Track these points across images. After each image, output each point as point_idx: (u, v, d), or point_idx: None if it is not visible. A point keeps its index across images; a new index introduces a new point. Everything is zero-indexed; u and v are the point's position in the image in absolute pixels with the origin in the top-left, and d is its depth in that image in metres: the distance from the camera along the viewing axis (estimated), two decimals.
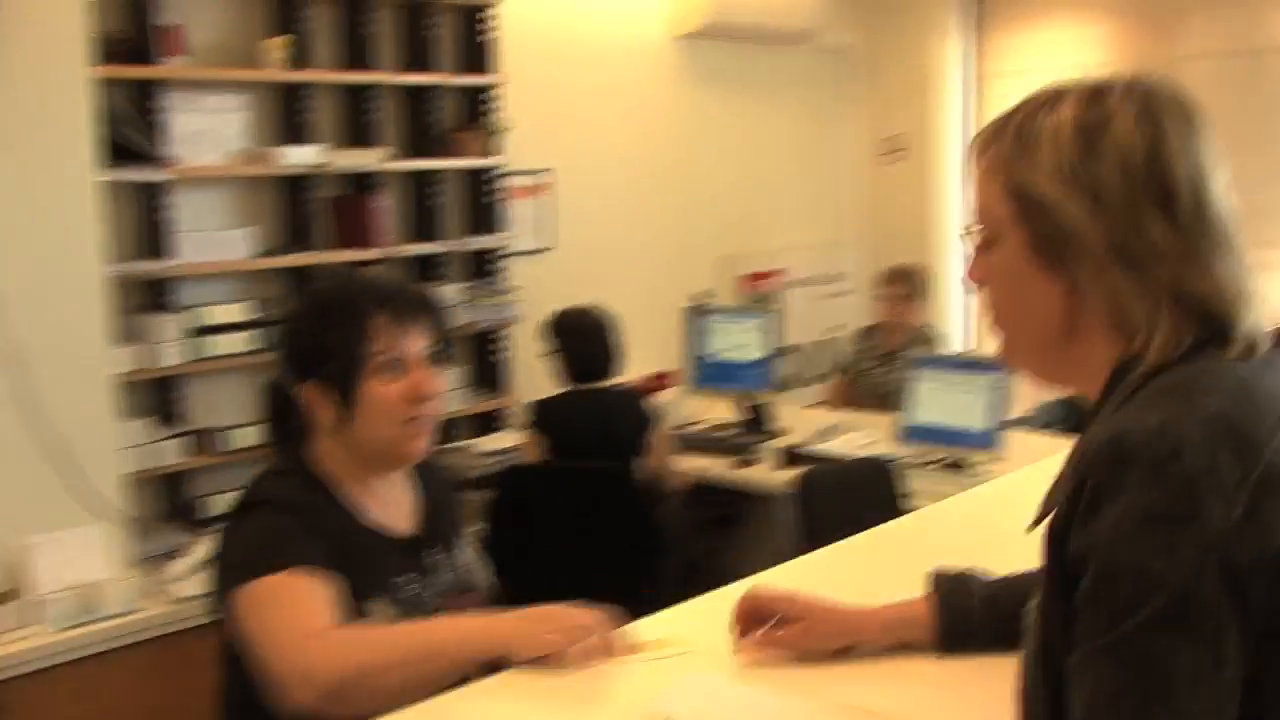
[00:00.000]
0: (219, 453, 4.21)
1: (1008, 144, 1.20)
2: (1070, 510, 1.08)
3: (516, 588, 4.12)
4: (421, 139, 4.86)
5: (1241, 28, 6.15)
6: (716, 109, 6.31)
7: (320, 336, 1.93)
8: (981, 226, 1.24)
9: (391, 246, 4.68)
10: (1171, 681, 1.02)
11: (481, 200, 5.08)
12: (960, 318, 7.02)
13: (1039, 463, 2.37)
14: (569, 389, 4.35)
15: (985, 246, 1.24)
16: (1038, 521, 1.14)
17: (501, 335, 5.10)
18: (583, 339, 4.35)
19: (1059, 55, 6.69)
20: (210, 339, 4.22)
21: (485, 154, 5.01)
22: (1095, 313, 1.17)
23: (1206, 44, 6.24)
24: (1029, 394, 4.82)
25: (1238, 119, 6.10)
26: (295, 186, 4.49)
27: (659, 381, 5.38)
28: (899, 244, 6.76)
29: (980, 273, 1.26)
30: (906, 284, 5.73)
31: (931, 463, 4.42)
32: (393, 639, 1.75)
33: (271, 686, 1.71)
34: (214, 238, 4.29)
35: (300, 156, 4.39)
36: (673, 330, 5.75)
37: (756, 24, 6.15)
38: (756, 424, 5.12)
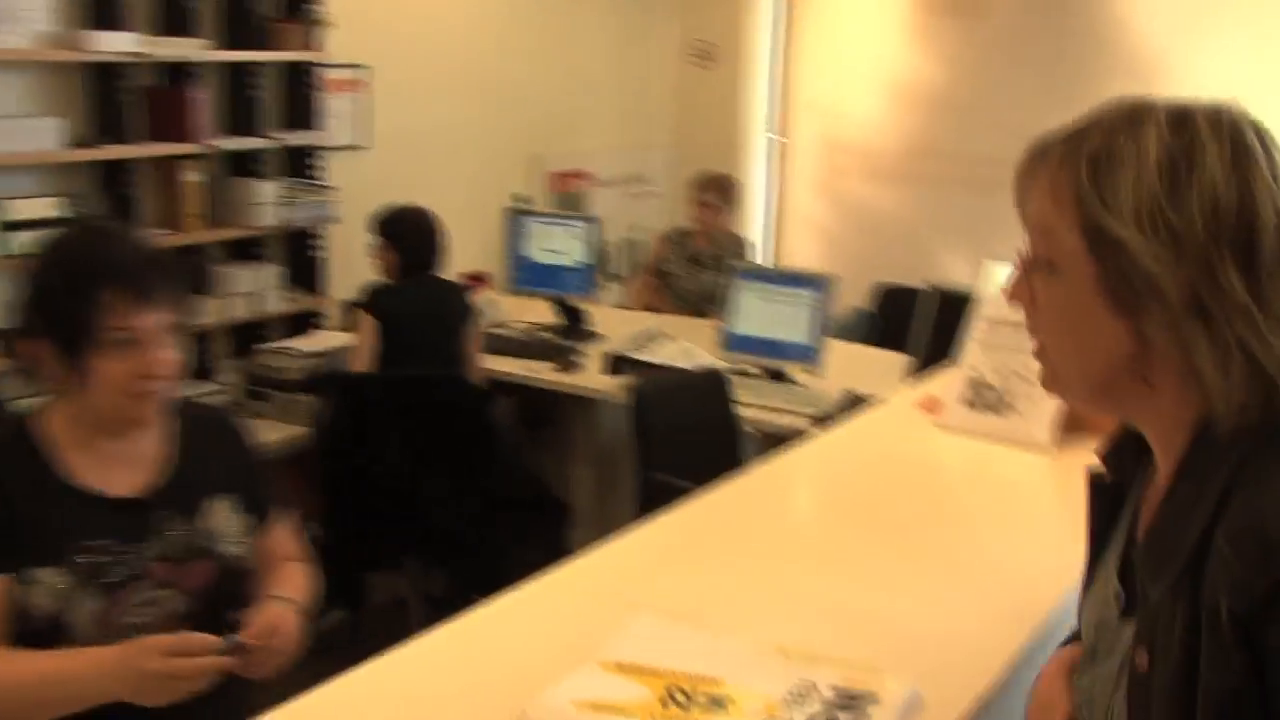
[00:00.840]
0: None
1: (1083, 170, 1.12)
2: (1249, 600, 1.03)
3: (357, 506, 4.15)
4: (240, 29, 4.64)
5: None
6: (532, 8, 6.21)
7: (53, 301, 1.86)
8: (1042, 251, 1.17)
9: (207, 140, 4.47)
10: None
11: (300, 95, 4.90)
12: (761, 230, 7.17)
13: (826, 435, 2.44)
14: (404, 279, 4.44)
15: (1044, 271, 1.17)
16: (1163, 593, 1.11)
17: (319, 234, 4.96)
18: (414, 233, 4.48)
19: None
20: (15, 235, 3.98)
21: (306, 47, 4.82)
22: (1165, 362, 1.13)
23: None
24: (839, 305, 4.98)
25: (1039, 43, 6.38)
26: (107, 74, 4.23)
27: (474, 282, 5.34)
28: (706, 150, 6.84)
29: (1029, 295, 1.20)
30: (720, 191, 5.82)
31: (753, 373, 4.56)
32: (16, 673, 1.75)
33: None
34: (18, 126, 4.02)
35: (114, 43, 4.12)
36: (487, 231, 5.71)
37: None
38: (574, 327, 5.17)
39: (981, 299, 2.64)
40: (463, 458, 4.07)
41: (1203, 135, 1.10)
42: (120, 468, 1.91)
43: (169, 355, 1.87)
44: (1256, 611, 1.02)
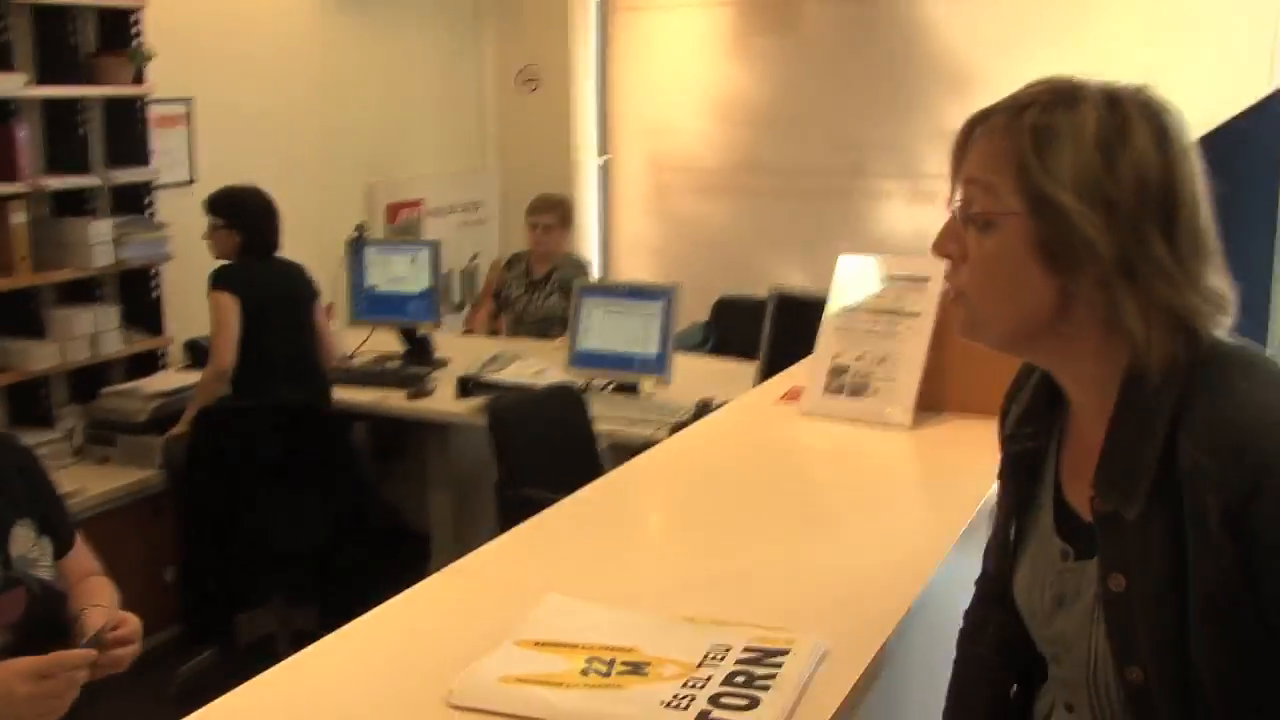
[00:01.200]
0: None
1: (1026, 140, 1.24)
2: (1245, 500, 1.16)
3: (219, 543, 4.08)
4: (60, 64, 4.53)
5: None
6: (358, 36, 6.20)
7: None
8: (979, 210, 1.28)
9: (33, 180, 4.35)
10: None
11: (127, 131, 4.80)
12: (596, 250, 7.25)
13: (691, 427, 2.53)
14: (247, 258, 4.46)
15: (980, 227, 1.28)
16: (1138, 514, 1.23)
17: (155, 273, 4.86)
18: (255, 213, 4.52)
19: None
20: None
21: (129, 81, 4.73)
22: (1089, 315, 1.25)
23: None
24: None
25: (853, 58, 6.60)
26: None
27: None
28: (536, 174, 6.88)
29: (959, 248, 1.30)
30: (554, 213, 5.88)
31: (603, 387, 4.62)
32: None
33: None
34: None
35: None
36: (326, 264, 5.65)
37: None
38: (421, 354, 5.16)
39: (837, 291, 2.74)
40: (323, 487, 4.04)
41: (1133, 116, 1.24)
42: None
43: None
44: (1242, 502, 1.16)
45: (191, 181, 5.23)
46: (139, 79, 4.77)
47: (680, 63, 7.04)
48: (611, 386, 4.63)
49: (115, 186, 4.75)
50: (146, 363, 4.86)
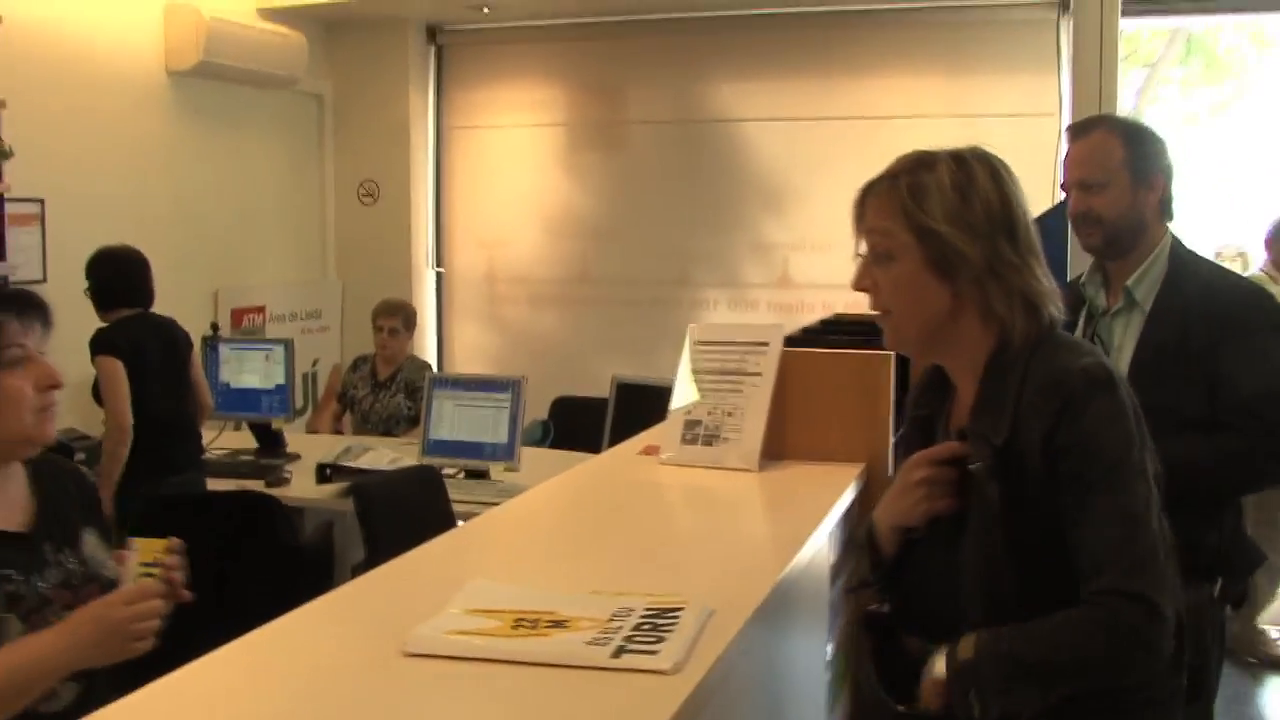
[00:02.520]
0: None
1: (903, 193, 1.81)
2: (1054, 422, 1.72)
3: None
4: None
5: (677, 101, 7.16)
6: (207, 146, 6.42)
7: None
8: (881, 249, 1.84)
9: None
10: (1144, 502, 1.71)
11: None
12: (433, 358, 7.51)
13: (546, 481, 2.83)
14: (122, 314, 4.63)
15: (884, 261, 1.84)
16: (1003, 440, 1.78)
17: None
18: (127, 268, 4.71)
19: (517, 114, 7.40)
20: None
21: None
22: (970, 309, 1.81)
23: (648, 111, 7.19)
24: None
25: (677, 177, 7.10)
26: None
27: None
28: (374, 283, 7.14)
29: (871, 281, 1.86)
30: (399, 316, 6.14)
31: (454, 474, 4.86)
32: None
33: None
34: None
35: None
36: None
37: (244, 67, 6.34)
38: (274, 447, 5.32)
39: (685, 355, 3.08)
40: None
41: (973, 165, 1.84)
42: (3, 504, 2.04)
43: (55, 370, 2.05)
44: (1053, 425, 1.73)
45: (44, 280, 5.33)
46: None
47: (513, 178, 7.45)
48: (462, 474, 4.87)
49: None
50: None
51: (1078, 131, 2.90)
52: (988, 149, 1.88)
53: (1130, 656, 1.68)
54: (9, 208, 5.08)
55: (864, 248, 1.88)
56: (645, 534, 2.40)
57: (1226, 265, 4.15)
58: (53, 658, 1.89)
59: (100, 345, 4.52)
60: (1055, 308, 1.84)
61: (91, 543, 2.15)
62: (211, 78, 6.27)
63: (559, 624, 1.76)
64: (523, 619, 1.78)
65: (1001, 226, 1.80)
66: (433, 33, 7.47)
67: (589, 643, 1.69)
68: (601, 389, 6.29)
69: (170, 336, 4.75)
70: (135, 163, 5.98)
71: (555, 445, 5.91)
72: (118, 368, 4.46)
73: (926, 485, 1.88)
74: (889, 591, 1.97)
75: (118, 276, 4.67)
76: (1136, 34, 10.20)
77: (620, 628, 1.75)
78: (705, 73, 7.12)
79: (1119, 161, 2.84)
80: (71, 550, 2.10)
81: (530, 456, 4.94)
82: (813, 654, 2.51)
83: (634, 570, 2.11)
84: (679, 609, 1.81)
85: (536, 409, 6.26)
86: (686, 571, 2.12)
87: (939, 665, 1.78)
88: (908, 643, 1.92)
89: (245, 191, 6.73)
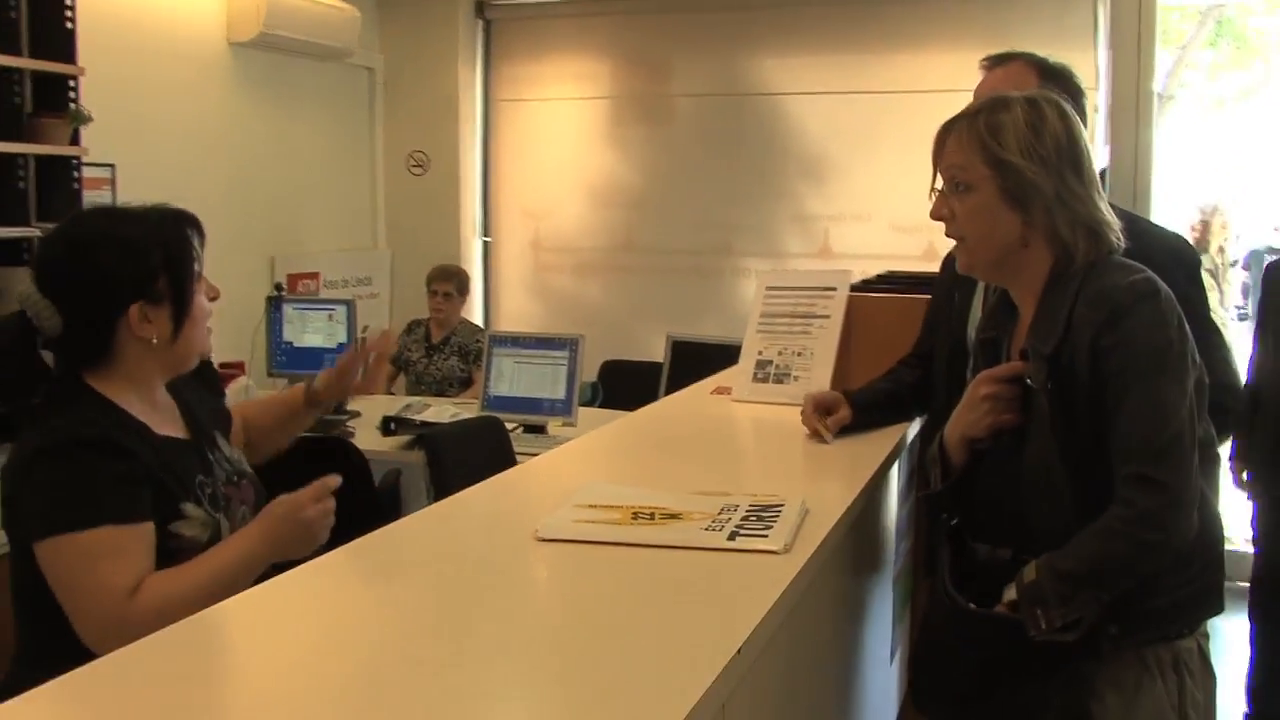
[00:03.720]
0: None
1: (981, 130, 1.98)
2: (1099, 329, 1.88)
3: None
4: (2, 122, 4.83)
5: (721, 74, 7.30)
6: (264, 116, 6.59)
7: (147, 257, 2.08)
8: (959, 181, 2.00)
9: None
10: (1175, 397, 1.85)
11: (60, 188, 5.09)
12: (480, 322, 7.68)
13: (598, 428, 2.99)
14: None
15: (961, 192, 2.01)
16: (1052, 349, 1.94)
17: None
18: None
19: (563, 86, 7.56)
20: None
21: (66, 142, 5.04)
22: (1038, 236, 1.98)
23: (692, 84, 7.34)
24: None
25: (720, 149, 7.25)
26: None
27: (230, 370, 5.59)
28: (422, 252, 7.31)
29: (949, 210, 2.03)
30: (453, 282, 6.32)
31: (512, 429, 5.03)
32: (194, 579, 1.97)
33: (85, 634, 1.91)
34: None
35: None
36: (235, 326, 5.98)
37: (301, 39, 6.51)
38: (336, 405, 5.50)
39: (757, 299, 3.25)
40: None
41: (1043, 106, 2.01)
42: (168, 417, 2.18)
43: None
44: (1099, 334, 1.89)
45: None
46: (75, 140, 5.08)
47: (559, 150, 7.60)
48: (520, 429, 5.04)
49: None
50: None
51: (996, 61, 2.93)
52: (1052, 94, 2.07)
53: (1146, 539, 1.84)
54: (84, 171, 5.26)
55: (940, 182, 2.05)
56: (731, 455, 2.58)
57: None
58: (258, 554, 2.03)
59: None
60: (1115, 235, 2.00)
61: (224, 444, 2.31)
62: (270, 49, 6.45)
63: (673, 516, 1.94)
64: (639, 512, 1.96)
65: (1069, 160, 1.96)
66: (481, 7, 7.63)
67: (704, 529, 1.87)
68: (646, 354, 6.47)
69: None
70: (198, 131, 6.15)
71: (604, 406, 6.07)
72: None
73: (990, 400, 2.04)
74: (959, 500, 2.13)
75: None
76: (1167, 14, 10.31)
77: (729, 519, 1.92)
78: (748, 46, 7.26)
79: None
80: (216, 451, 2.26)
81: (584, 414, 5.11)
82: (886, 556, 2.68)
83: (728, 481, 2.28)
84: (780, 505, 1.99)
85: (585, 373, 6.43)
86: (778, 482, 2.30)
87: (1010, 591, 1.94)
88: (978, 549, 2.08)
89: (300, 161, 6.91)
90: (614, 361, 6.47)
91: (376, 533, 1.90)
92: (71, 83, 5.08)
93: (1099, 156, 6.24)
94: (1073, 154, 1.97)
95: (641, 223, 7.45)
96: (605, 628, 1.54)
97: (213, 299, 2.20)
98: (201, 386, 2.39)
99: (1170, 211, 10.40)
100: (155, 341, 2.08)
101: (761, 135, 7.18)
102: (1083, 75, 6.64)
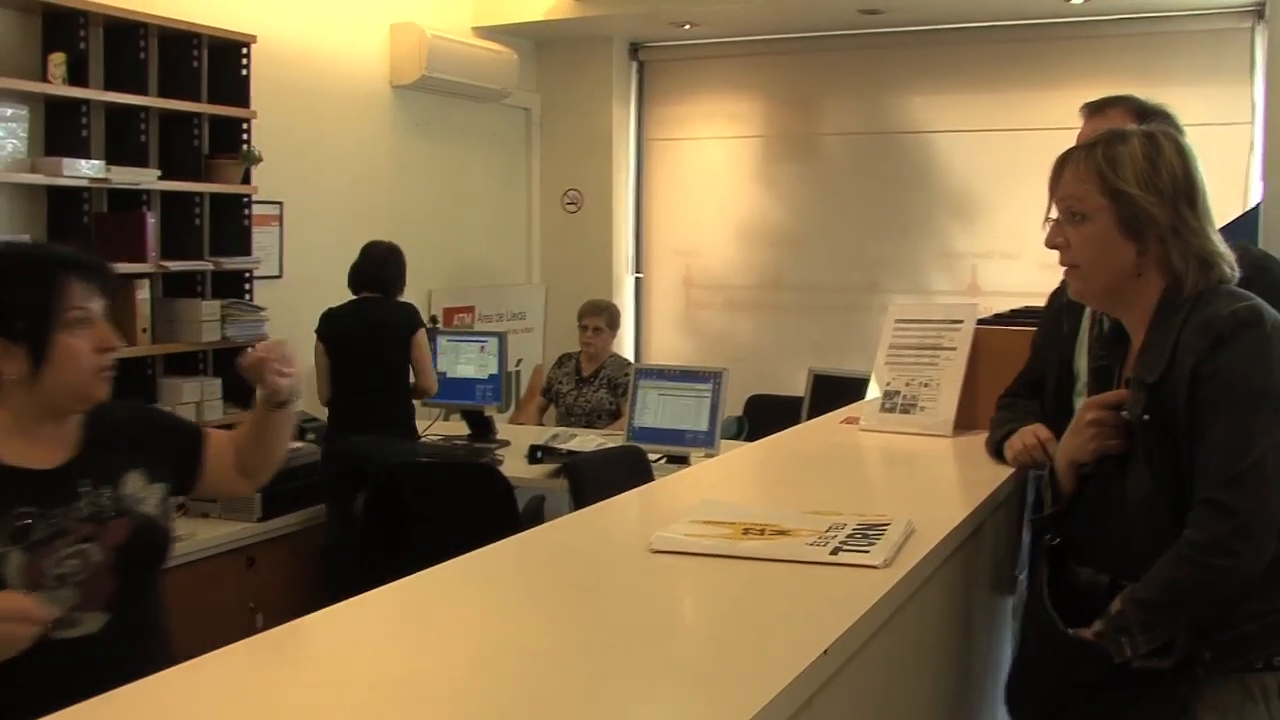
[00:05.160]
0: None
1: (1099, 160, 2.01)
2: (1201, 356, 1.90)
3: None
4: (181, 162, 5.15)
5: (869, 113, 7.38)
6: (425, 155, 6.88)
7: (16, 293, 2.11)
8: (1075, 210, 2.04)
9: (157, 261, 4.93)
10: (1265, 427, 1.86)
11: (231, 224, 5.40)
12: (631, 358, 7.84)
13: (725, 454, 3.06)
14: (352, 299, 5.19)
15: (1077, 221, 2.04)
16: (1157, 378, 1.95)
17: (251, 351, 5.40)
18: (367, 257, 5.27)
19: (714, 126, 7.71)
20: None
21: (239, 181, 5.35)
22: (1151, 266, 2.01)
23: (840, 123, 7.43)
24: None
25: (867, 186, 7.31)
26: (68, 198, 4.69)
27: None
28: (575, 288, 7.48)
29: (1064, 239, 2.06)
30: (603, 316, 6.47)
31: (656, 460, 5.14)
32: None
33: None
34: None
35: (78, 169, 4.60)
36: None
37: (461, 80, 6.78)
38: (486, 433, 5.69)
39: (886, 332, 3.31)
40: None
41: (1160, 139, 2.04)
42: (47, 446, 2.20)
43: (112, 333, 2.21)
44: (1200, 360, 1.91)
45: (280, 275, 5.82)
46: (247, 179, 5.39)
47: (710, 188, 7.75)
48: (664, 459, 5.15)
49: (217, 273, 5.31)
50: None
51: (1094, 109, 2.90)
52: (1169, 127, 2.16)
53: (1215, 564, 1.86)
54: (254, 209, 5.56)
55: (1055, 211, 2.09)
56: (850, 478, 2.65)
57: None
58: None
59: (317, 328, 5.17)
60: (1229, 266, 2.01)
61: (134, 481, 2.28)
62: (431, 91, 6.74)
63: (782, 533, 2.02)
64: (750, 528, 2.04)
65: (1184, 193, 1.99)
66: (635, 49, 7.84)
67: (809, 544, 1.95)
68: (791, 388, 6.53)
69: (383, 320, 5.20)
70: (361, 170, 6.45)
71: (750, 439, 6.15)
72: (318, 350, 5.13)
73: (1096, 426, 2.07)
74: (1065, 523, 2.16)
75: (360, 264, 5.26)
76: None
77: (835, 535, 2.00)
78: (895, 85, 7.32)
79: None
80: (110, 486, 2.24)
81: (727, 447, 5.19)
82: (1001, 581, 2.71)
83: (842, 503, 2.35)
84: (886, 524, 2.05)
85: (731, 407, 6.50)
86: (890, 503, 2.36)
87: (1099, 623, 1.97)
88: (1080, 572, 2.10)
89: (458, 198, 7.18)
90: (760, 396, 6.55)
91: (502, 542, 2.02)
92: (245, 125, 5.39)
93: (1254, 192, 6.14)
94: (1188, 187, 2.00)
95: (790, 260, 7.54)
96: (704, 628, 1.63)
97: (106, 350, 2.19)
98: (139, 424, 2.40)
99: None
100: (16, 378, 2.13)
101: (908, 172, 7.23)
102: (1237, 109, 6.54)
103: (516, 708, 1.37)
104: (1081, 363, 2.56)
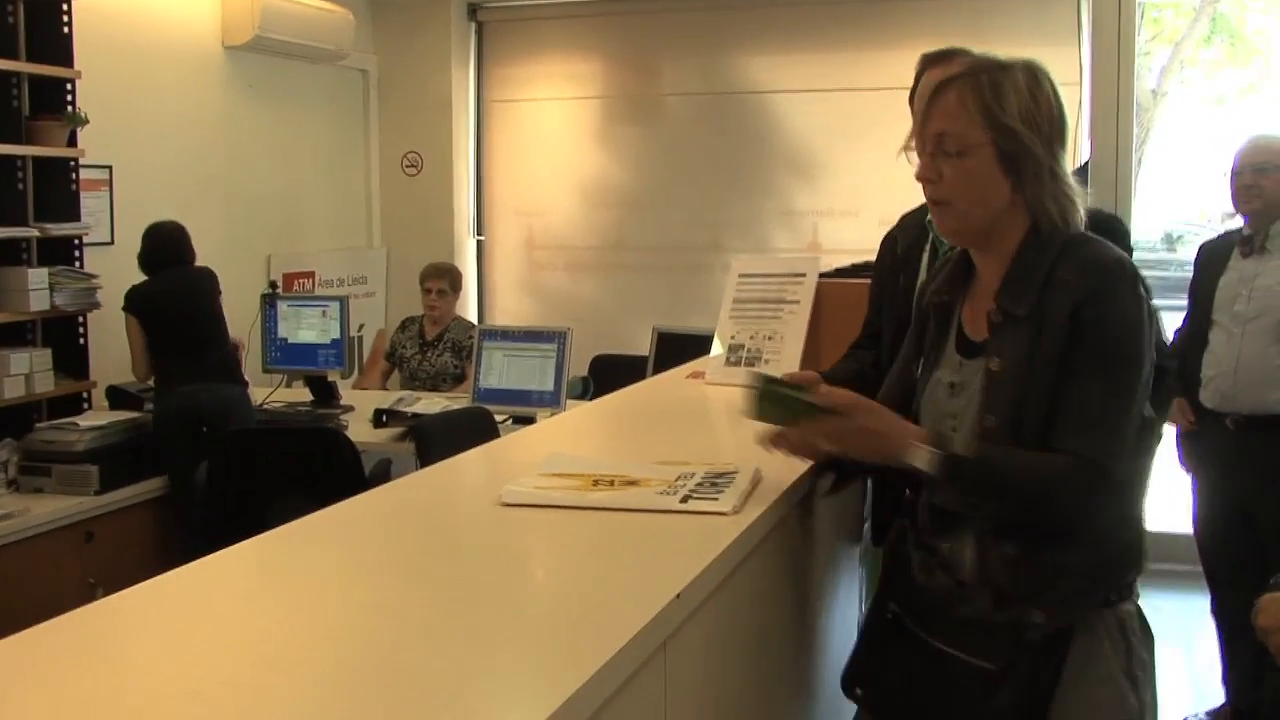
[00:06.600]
0: None
1: (984, 91, 1.91)
2: (1085, 297, 1.86)
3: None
4: (2, 125, 4.94)
5: (709, 73, 7.43)
6: (260, 118, 6.71)
7: None
8: (953, 143, 1.91)
9: None
10: (1131, 384, 1.87)
11: (58, 190, 5.20)
12: (475, 309, 7.81)
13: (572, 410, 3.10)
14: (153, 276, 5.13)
15: (953, 156, 1.92)
16: (1025, 311, 1.91)
17: (83, 320, 5.24)
18: (158, 238, 5.19)
19: (554, 87, 7.68)
20: None
21: (64, 144, 5.15)
22: (1021, 203, 1.94)
23: (681, 84, 7.46)
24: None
25: (709, 147, 7.37)
26: None
27: None
28: (417, 251, 7.41)
29: (934, 172, 1.94)
30: (446, 279, 6.42)
31: (502, 420, 5.14)
32: None
33: None
34: None
35: None
36: (231, 321, 6.07)
37: (296, 42, 6.62)
38: (329, 398, 5.62)
39: (730, 286, 3.36)
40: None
41: (1039, 74, 1.97)
42: None
43: None
44: (1082, 301, 1.87)
45: (112, 242, 5.64)
46: (72, 142, 5.19)
47: (551, 150, 7.72)
48: (510, 420, 5.15)
49: (44, 240, 5.12)
50: (72, 405, 5.20)
51: (935, 59, 2.73)
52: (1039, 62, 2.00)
53: (1069, 505, 1.89)
54: (82, 173, 5.36)
55: (930, 141, 1.95)
56: (697, 431, 2.69)
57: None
58: None
59: (125, 305, 5.10)
60: (1081, 215, 1.97)
61: None
62: (264, 52, 6.56)
63: (631, 483, 2.05)
64: (600, 479, 2.06)
65: (1057, 132, 1.94)
66: (473, 10, 7.75)
67: (659, 494, 1.98)
68: (636, 348, 6.57)
69: (195, 283, 5.20)
70: (194, 133, 6.27)
71: (595, 399, 6.18)
72: (132, 326, 5.06)
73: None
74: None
75: (153, 241, 5.19)
76: (1160, 12, 10.40)
77: (685, 484, 2.03)
78: (736, 46, 7.38)
79: None
80: None
81: (573, 407, 5.21)
82: (848, 528, 2.78)
83: (690, 454, 2.38)
84: (734, 471, 2.09)
85: (576, 368, 6.51)
86: (737, 454, 2.39)
87: (921, 459, 1.90)
88: (937, 546, 2.05)
89: (295, 162, 7.03)
90: (605, 356, 6.58)
91: (350, 500, 2.00)
92: (69, 86, 5.19)
93: (1083, 151, 6.37)
94: (1061, 126, 1.95)
95: (632, 220, 7.57)
96: (557, 579, 1.65)
97: None
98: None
99: (1153, 209, 10.53)
100: None
101: (749, 133, 7.30)
102: (1067, 71, 6.76)
103: (370, 666, 1.37)
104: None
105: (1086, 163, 6.12)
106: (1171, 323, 4.32)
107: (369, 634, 1.44)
